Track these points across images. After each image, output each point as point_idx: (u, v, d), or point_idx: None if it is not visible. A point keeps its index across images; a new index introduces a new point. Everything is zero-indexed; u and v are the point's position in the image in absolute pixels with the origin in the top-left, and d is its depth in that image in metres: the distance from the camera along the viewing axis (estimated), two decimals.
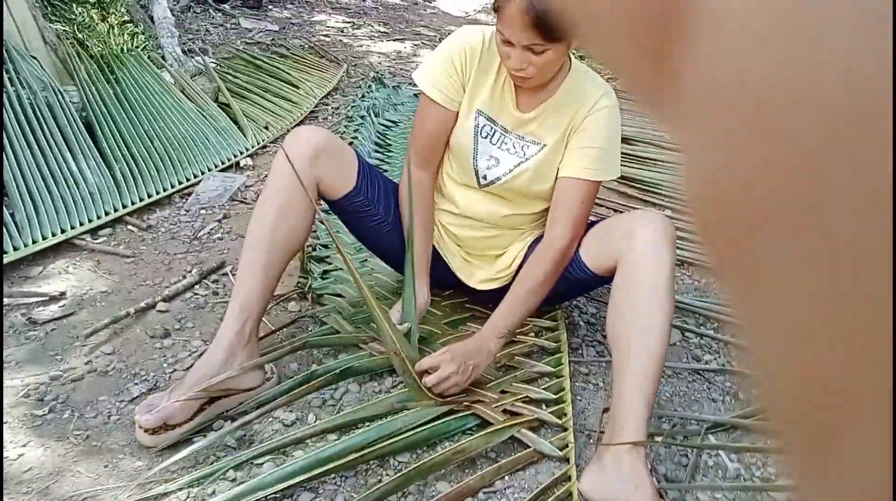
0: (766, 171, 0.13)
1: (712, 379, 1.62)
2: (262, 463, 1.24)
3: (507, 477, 1.29)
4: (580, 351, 1.68)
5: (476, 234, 1.61)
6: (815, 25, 0.11)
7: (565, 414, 1.43)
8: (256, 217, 1.42)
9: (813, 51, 0.11)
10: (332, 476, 1.24)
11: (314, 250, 1.98)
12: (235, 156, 2.53)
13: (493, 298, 1.62)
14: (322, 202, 1.54)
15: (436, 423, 1.34)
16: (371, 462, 1.27)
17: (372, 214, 1.57)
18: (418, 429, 1.32)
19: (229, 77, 3.23)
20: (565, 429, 1.39)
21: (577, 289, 1.60)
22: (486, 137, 1.50)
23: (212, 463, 1.24)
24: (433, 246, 1.64)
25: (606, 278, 1.43)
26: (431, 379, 1.36)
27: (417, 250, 1.53)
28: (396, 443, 1.27)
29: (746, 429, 1.42)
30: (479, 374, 1.42)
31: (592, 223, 1.52)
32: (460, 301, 1.77)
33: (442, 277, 1.72)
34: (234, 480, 1.20)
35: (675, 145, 0.15)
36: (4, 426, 1.29)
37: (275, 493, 1.16)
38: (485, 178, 1.53)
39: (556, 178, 1.48)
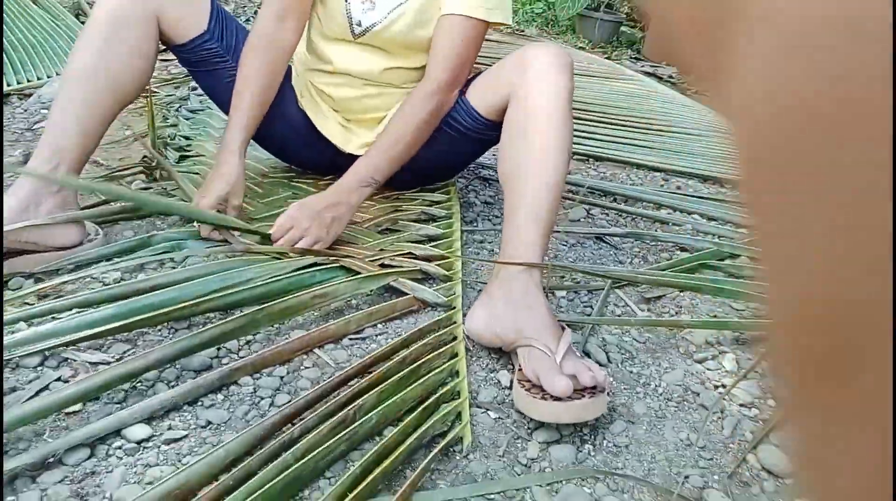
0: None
1: (619, 245, 1.46)
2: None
3: (379, 325, 1.07)
4: (475, 223, 1.50)
5: (354, 93, 1.40)
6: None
7: (453, 269, 1.23)
8: (76, 49, 1.18)
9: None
10: (159, 327, 0.99)
11: (172, 138, 1.72)
12: None
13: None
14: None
15: (296, 273, 1.11)
16: (212, 313, 1.03)
17: (227, 66, 1.34)
18: (274, 278, 1.08)
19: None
20: (452, 279, 1.19)
21: (469, 145, 1.39)
22: None
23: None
24: (307, 118, 1.42)
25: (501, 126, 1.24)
26: (284, 240, 1.15)
27: (240, 114, 1.26)
28: (241, 292, 1.03)
29: (655, 283, 1.26)
30: (342, 229, 1.21)
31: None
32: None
33: (316, 156, 1.50)
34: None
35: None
36: None
37: (79, 339, 0.91)
38: (359, 24, 1.31)
39: None
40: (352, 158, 1.38)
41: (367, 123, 1.44)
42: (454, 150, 1.39)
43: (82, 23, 2.51)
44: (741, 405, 0.97)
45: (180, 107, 1.97)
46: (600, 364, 1.02)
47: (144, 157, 1.50)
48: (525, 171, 1.09)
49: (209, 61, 1.34)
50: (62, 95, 1.16)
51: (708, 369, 1.05)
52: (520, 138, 1.13)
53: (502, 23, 1.29)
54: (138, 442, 0.80)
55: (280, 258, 1.15)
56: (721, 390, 0.99)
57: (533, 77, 1.14)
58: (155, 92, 2.03)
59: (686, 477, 0.82)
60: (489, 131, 1.29)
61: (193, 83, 2.16)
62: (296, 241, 1.16)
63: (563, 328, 0.96)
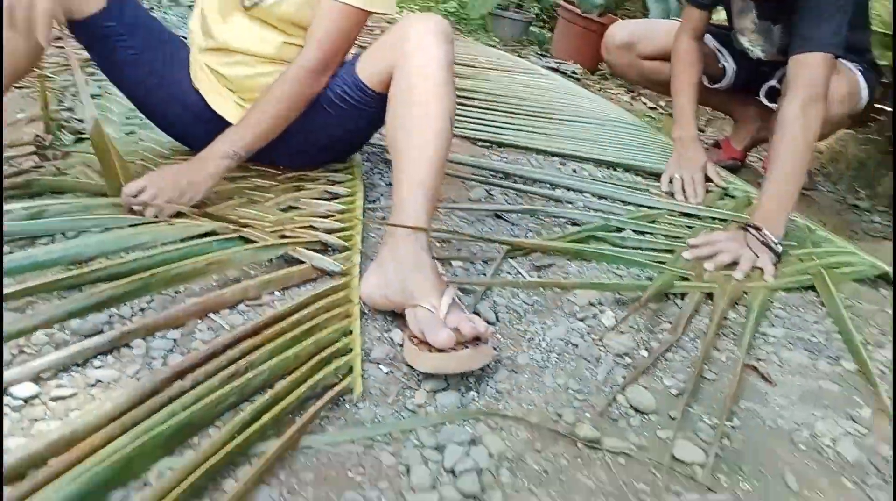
0: None
1: (516, 221, 1.53)
2: None
3: (277, 293, 1.09)
4: (378, 202, 1.53)
5: (248, 71, 1.39)
6: None
7: (352, 240, 1.26)
8: None
9: None
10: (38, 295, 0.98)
11: (68, 121, 1.67)
12: None
13: (280, 145, 1.43)
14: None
15: (192, 243, 1.12)
16: (100, 282, 1.02)
17: (125, 46, 1.32)
18: (167, 247, 1.09)
19: None
20: (351, 250, 1.22)
21: (361, 119, 1.41)
22: None
23: None
24: (203, 99, 1.41)
25: None
26: (134, 200, 1.15)
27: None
28: (137, 261, 1.03)
29: (543, 249, 1.33)
30: (199, 196, 1.22)
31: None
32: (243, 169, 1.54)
33: (214, 137, 1.49)
34: None
35: None
36: None
37: None
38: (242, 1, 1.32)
39: None
40: None
41: None
42: (347, 125, 1.41)
43: None
44: (616, 354, 1.04)
45: (77, 92, 1.92)
46: (489, 323, 1.08)
47: (37, 136, 1.46)
48: (408, 139, 1.12)
49: (108, 39, 1.31)
50: None
51: (589, 326, 1.12)
52: (403, 107, 1.16)
53: (383, 12, 1.32)
54: (25, 400, 0.80)
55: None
56: (599, 343, 1.07)
57: (413, 47, 1.17)
58: (49, 76, 1.97)
59: (560, 416, 0.89)
60: (378, 104, 1.30)
61: (91, 69, 2.11)
62: (148, 205, 1.16)
63: (449, 286, 1.01)
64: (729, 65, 2.02)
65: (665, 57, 1.97)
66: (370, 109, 1.35)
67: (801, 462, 0.88)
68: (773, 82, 1.92)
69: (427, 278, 1.00)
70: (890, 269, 1.45)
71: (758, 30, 1.85)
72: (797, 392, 1.02)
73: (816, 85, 1.48)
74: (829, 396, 1.02)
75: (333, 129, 1.41)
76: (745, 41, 1.91)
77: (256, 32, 1.35)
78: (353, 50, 1.46)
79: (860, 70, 1.79)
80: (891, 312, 1.32)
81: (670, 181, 1.79)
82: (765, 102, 1.95)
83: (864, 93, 1.80)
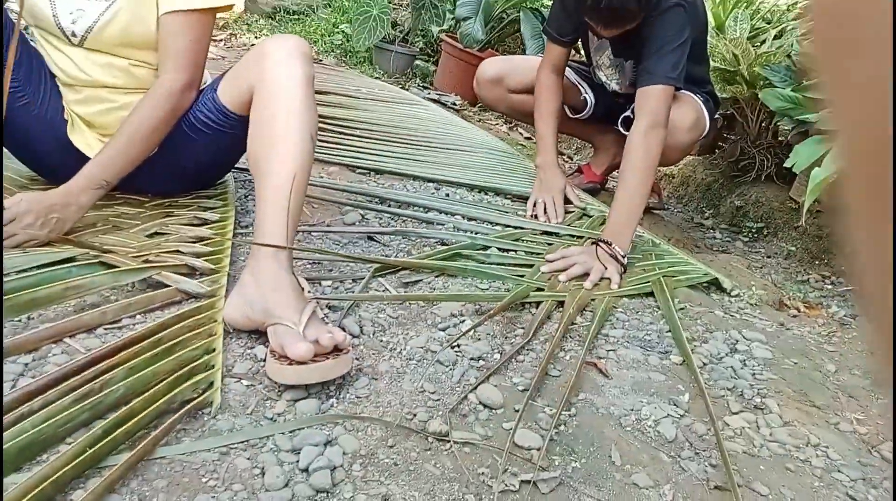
0: None
1: (387, 243, 1.59)
2: None
3: (139, 316, 1.10)
4: (250, 227, 1.55)
5: (102, 107, 1.39)
6: None
7: (221, 263, 1.28)
8: None
9: None
10: None
11: None
12: None
13: (145, 172, 1.43)
14: None
15: (49, 269, 1.11)
16: None
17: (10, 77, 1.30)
18: (22, 275, 1.07)
19: None
20: (218, 272, 1.24)
21: (225, 142, 1.42)
22: None
23: None
24: (72, 145, 1.39)
25: None
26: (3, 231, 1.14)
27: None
28: None
29: (414, 269, 1.40)
30: (65, 228, 1.21)
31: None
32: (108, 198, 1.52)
33: (75, 170, 1.47)
34: None
35: None
36: None
37: None
38: (74, 35, 1.31)
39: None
40: None
41: None
42: (211, 149, 1.42)
43: None
44: (471, 359, 1.12)
45: None
46: (353, 335, 1.13)
47: None
48: (269, 158, 1.15)
49: None
50: None
51: (449, 335, 1.19)
52: (263, 127, 1.18)
53: (228, 5, 1.32)
54: None
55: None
56: (457, 349, 1.14)
57: (271, 67, 1.20)
58: None
59: (414, 415, 0.94)
60: (241, 126, 1.30)
61: None
62: (11, 235, 1.15)
63: (309, 302, 1.05)
64: (589, 97, 2.19)
65: (531, 90, 2.10)
66: (233, 131, 1.36)
67: (625, 441, 0.97)
68: (627, 113, 2.08)
69: (287, 295, 1.04)
70: (720, 276, 1.62)
71: (612, 65, 2.02)
72: (629, 383, 1.13)
73: (657, 113, 1.64)
74: (656, 385, 1.14)
75: (198, 154, 1.42)
76: (602, 76, 2.08)
77: (98, 64, 1.34)
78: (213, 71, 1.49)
79: (702, 100, 1.99)
80: (717, 312, 1.48)
81: (535, 205, 1.91)
82: (621, 130, 2.11)
83: (707, 120, 2.00)
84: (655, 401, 1.08)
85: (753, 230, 2.22)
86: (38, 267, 1.11)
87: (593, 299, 1.40)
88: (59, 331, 1.00)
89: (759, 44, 2.45)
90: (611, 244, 1.53)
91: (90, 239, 1.25)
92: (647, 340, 1.29)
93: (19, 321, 1.02)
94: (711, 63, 2.37)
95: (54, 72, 1.38)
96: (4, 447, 0.74)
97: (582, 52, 2.22)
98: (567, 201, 1.95)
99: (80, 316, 1.03)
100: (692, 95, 1.97)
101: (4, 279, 1.04)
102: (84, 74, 1.35)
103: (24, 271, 1.09)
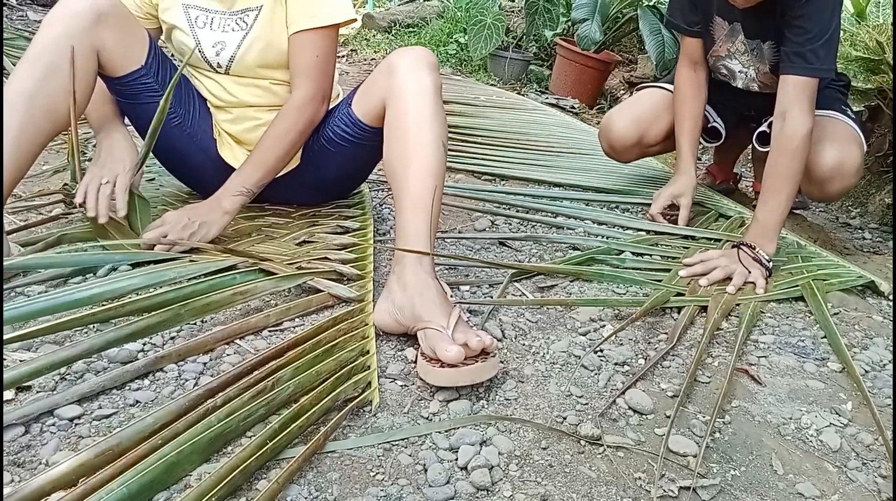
0: None
1: (519, 248, 1.61)
2: None
3: (297, 319, 1.17)
4: (388, 235, 1.62)
5: (250, 124, 1.50)
6: None
7: (365, 270, 1.34)
8: (16, 75, 1.22)
9: None
10: (85, 330, 1.06)
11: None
12: None
13: (290, 184, 1.53)
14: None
15: (217, 276, 1.21)
16: (131, 315, 1.10)
17: (159, 101, 1.42)
18: (193, 281, 1.17)
19: (11, 53, 2.92)
20: (364, 278, 1.31)
21: (361, 154, 1.49)
22: (204, 27, 1.42)
23: None
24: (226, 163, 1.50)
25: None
26: (151, 235, 1.27)
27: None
28: (167, 293, 1.12)
29: (545, 271, 1.41)
30: (212, 233, 1.32)
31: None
32: (259, 210, 1.64)
33: None
34: None
35: None
36: None
37: (10, 340, 0.97)
38: (219, 66, 1.44)
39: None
40: (268, 184, 1.50)
41: None
42: (348, 161, 1.50)
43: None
44: (615, 364, 1.11)
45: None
46: (497, 339, 1.15)
47: (65, 185, 1.57)
48: (405, 168, 1.19)
49: (142, 95, 1.41)
50: None
51: (590, 340, 1.19)
52: (397, 139, 1.24)
53: (349, 20, 1.38)
54: (70, 420, 0.87)
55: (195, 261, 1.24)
56: (600, 354, 1.14)
57: (401, 80, 1.25)
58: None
59: (564, 418, 0.96)
60: (376, 138, 1.35)
61: None
62: (160, 240, 1.27)
63: (455, 306, 1.08)
64: (719, 124, 1.99)
65: (672, 134, 1.93)
66: (368, 143, 1.43)
67: (786, 450, 0.94)
68: (763, 128, 1.87)
69: (433, 300, 1.08)
70: (877, 279, 1.52)
71: (747, 50, 1.81)
72: (785, 391, 1.08)
73: (810, 112, 1.50)
74: (815, 393, 1.09)
75: (337, 166, 1.50)
76: (735, 65, 1.86)
77: (243, 86, 1.46)
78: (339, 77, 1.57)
79: (853, 120, 1.76)
80: (876, 317, 1.39)
81: (661, 206, 1.84)
82: (758, 148, 1.90)
83: (863, 142, 1.76)
84: (816, 410, 1.04)
85: None
86: (206, 275, 1.21)
87: (738, 305, 1.35)
88: (230, 333, 1.09)
89: None
90: (754, 248, 1.47)
91: (248, 248, 1.35)
92: (801, 346, 1.23)
93: (195, 324, 1.12)
94: (853, 52, 2.23)
95: (205, 96, 1.50)
96: (194, 440, 0.81)
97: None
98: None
99: (248, 319, 1.12)
100: (848, 121, 1.74)
101: (178, 286, 1.14)
102: (232, 97, 1.46)
103: (194, 278, 1.19)
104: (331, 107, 1.50)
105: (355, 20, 1.43)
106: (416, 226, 1.16)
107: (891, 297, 1.49)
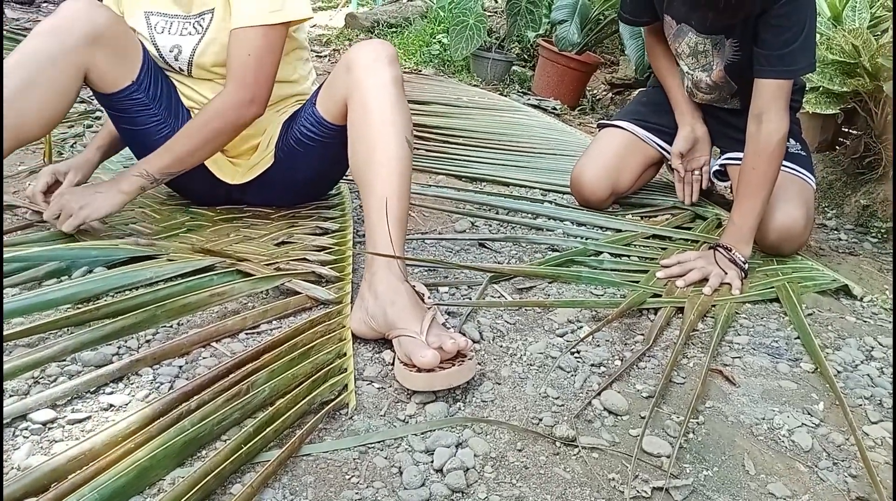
0: None
1: (499, 249, 1.62)
2: None
3: (274, 322, 1.17)
4: None
5: None
6: None
7: (344, 271, 1.34)
8: None
9: None
10: (60, 333, 1.05)
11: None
12: None
13: (262, 185, 1.53)
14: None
15: (195, 278, 1.20)
16: (107, 317, 1.08)
17: (149, 114, 1.42)
18: (172, 282, 1.16)
19: None
20: (343, 280, 1.30)
21: (329, 153, 1.46)
22: (162, 32, 1.41)
23: None
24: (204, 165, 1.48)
25: None
26: (47, 213, 1.28)
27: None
28: (142, 295, 1.11)
29: (523, 274, 1.42)
30: (107, 209, 1.30)
31: None
32: (238, 211, 1.63)
33: (211, 193, 1.59)
34: None
35: None
36: None
37: None
38: (181, 69, 1.44)
39: None
40: (245, 186, 1.50)
41: (248, 153, 1.53)
42: (318, 161, 1.48)
43: None
44: (592, 365, 1.12)
45: (75, 143, 2.02)
46: (474, 341, 1.15)
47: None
48: (368, 169, 1.17)
49: (132, 110, 1.40)
50: None
51: (567, 341, 1.20)
52: (359, 138, 1.21)
53: (300, 19, 1.33)
54: (43, 423, 0.86)
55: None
56: (577, 355, 1.14)
57: (359, 75, 1.22)
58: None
59: (540, 419, 0.96)
60: (342, 135, 1.30)
61: (88, 121, 2.21)
62: (56, 214, 1.28)
63: (429, 309, 1.08)
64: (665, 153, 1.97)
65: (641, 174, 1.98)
66: (335, 141, 1.39)
67: (759, 450, 0.95)
68: (716, 166, 1.90)
69: (404, 306, 1.07)
70: (850, 283, 1.54)
71: (699, 52, 1.73)
72: (759, 391, 1.10)
73: (786, 112, 1.51)
74: (788, 393, 1.10)
75: (307, 166, 1.48)
76: (683, 66, 1.82)
77: (207, 86, 1.45)
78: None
79: (806, 172, 1.72)
80: (849, 318, 1.41)
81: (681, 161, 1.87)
82: (717, 183, 1.95)
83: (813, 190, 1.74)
84: (788, 410, 1.05)
85: (882, 230, 2.09)
86: (183, 275, 1.20)
87: (714, 306, 1.37)
88: (206, 336, 1.08)
89: (879, 33, 2.31)
90: (731, 250, 1.49)
91: (225, 248, 1.34)
92: (775, 347, 1.25)
93: (170, 326, 1.11)
94: (829, 56, 2.26)
95: (182, 100, 1.49)
96: (168, 444, 0.81)
97: None
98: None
99: (224, 322, 1.11)
100: (794, 171, 1.69)
101: (157, 288, 1.14)
102: (201, 96, 1.46)
103: (171, 279, 1.19)
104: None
105: (305, 19, 1.37)
106: (383, 229, 1.13)
107: (863, 299, 1.52)
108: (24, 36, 2.28)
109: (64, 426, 0.87)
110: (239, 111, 1.33)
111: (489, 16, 4.48)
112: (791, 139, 1.70)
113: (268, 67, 1.33)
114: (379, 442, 0.89)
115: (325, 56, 4.23)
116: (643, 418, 0.98)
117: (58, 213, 1.28)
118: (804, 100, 2.08)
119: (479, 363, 1.08)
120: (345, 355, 1.08)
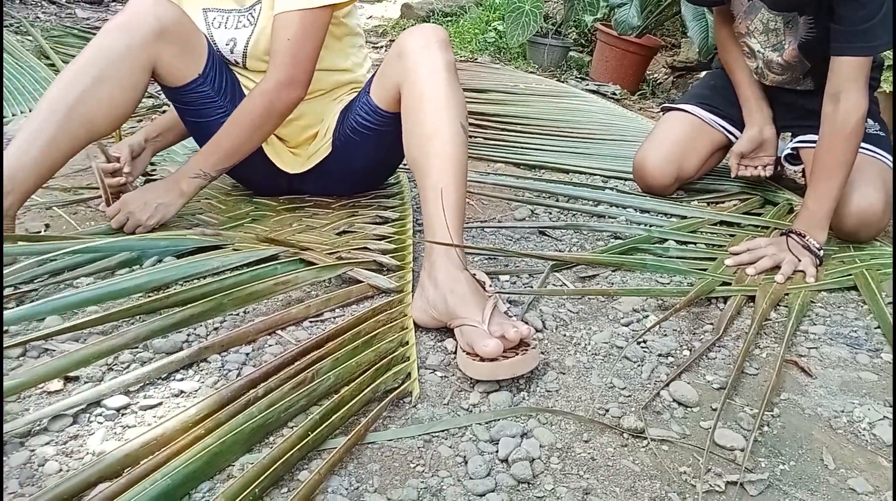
0: None
1: (560, 237, 1.59)
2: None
3: (337, 310, 1.18)
4: None
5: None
6: None
7: (405, 260, 1.34)
8: (62, 81, 1.24)
9: None
10: (132, 320, 1.08)
11: None
12: None
13: (320, 175, 1.54)
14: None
15: (260, 266, 1.22)
16: (176, 306, 1.11)
17: (216, 106, 1.44)
18: (238, 271, 1.18)
19: (60, 50, 3.00)
20: (404, 268, 1.31)
21: (385, 141, 1.45)
22: (219, 27, 1.43)
23: None
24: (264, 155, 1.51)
25: None
26: (113, 222, 1.31)
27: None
28: (210, 284, 1.13)
29: (585, 262, 1.39)
30: (169, 214, 1.35)
31: None
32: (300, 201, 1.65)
33: (274, 184, 1.61)
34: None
35: None
36: None
37: (57, 331, 0.99)
38: (237, 62, 1.46)
39: None
40: (304, 176, 1.51)
41: (306, 142, 1.55)
42: (374, 150, 1.48)
43: (47, 65, 2.62)
44: (659, 355, 1.09)
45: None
46: (537, 330, 1.14)
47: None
48: (424, 156, 1.16)
49: (198, 103, 1.42)
50: (32, 123, 1.21)
51: (633, 330, 1.17)
52: (413, 124, 1.20)
53: (341, 2, 1.32)
54: (117, 409, 0.89)
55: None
56: (643, 345, 1.11)
57: (412, 62, 1.21)
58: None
59: (606, 410, 0.94)
60: (396, 123, 1.30)
61: (155, 115, 2.27)
62: (123, 223, 1.31)
63: (490, 297, 1.06)
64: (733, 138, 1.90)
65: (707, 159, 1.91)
66: (391, 129, 1.38)
67: (838, 444, 0.91)
68: (788, 149, 1.81)
69: (465, 295, 1.06)
70: None
71: (771, 29, 1.66)
72: (837, 383, 1.05)
73: (865, 91, 1.43)
74: (868, 385, 1.05)
75: (364, 155, 1.48)
76: (754, 44, 1.73)
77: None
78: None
79: (888, 153, 1.65)
80: None
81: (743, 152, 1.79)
82: (789, 166, 1.83)
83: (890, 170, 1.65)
84: (869, 402, 1.00)
85: None
86: (248, 264, 1.22)
87: (787, 294, 1.31)
88: (272, 324, 1.09)
89: None
90: (804, 236, 1.42)
91: (288, 238, 1.36)
92: (854, 337, 1.19)
93: (237, 314, 1.13)
94: None
95: (245, 92, 1.51)
96: (237, 430, 0.82)
97: None
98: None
99: (289, 310, 1.12)
100: (872, 152, 1.62)
101: (223, 276, 1.16)
102: None
103: (237, 268, 1.21)
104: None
105: (348, 3, 1.38)
106: (441, 217, 1.12)
107: None
108: (94, 34, 2.35)
109: (136, 412, 0.89)
110: (279, 94, 1.33)
111: (545, 1, 4.41)
112: (869, 119, 1.61)
113: (308, 50, 1.33)
114: (443, 431, 0.88)
115: (382, 47, 4.24)
116: (714, 410, 0.94)
117: (125, 221, 1.32)
118: (882, 78, 1.98)
119: (542, 353, 1.06)
120: (407, 343, 1.08)
